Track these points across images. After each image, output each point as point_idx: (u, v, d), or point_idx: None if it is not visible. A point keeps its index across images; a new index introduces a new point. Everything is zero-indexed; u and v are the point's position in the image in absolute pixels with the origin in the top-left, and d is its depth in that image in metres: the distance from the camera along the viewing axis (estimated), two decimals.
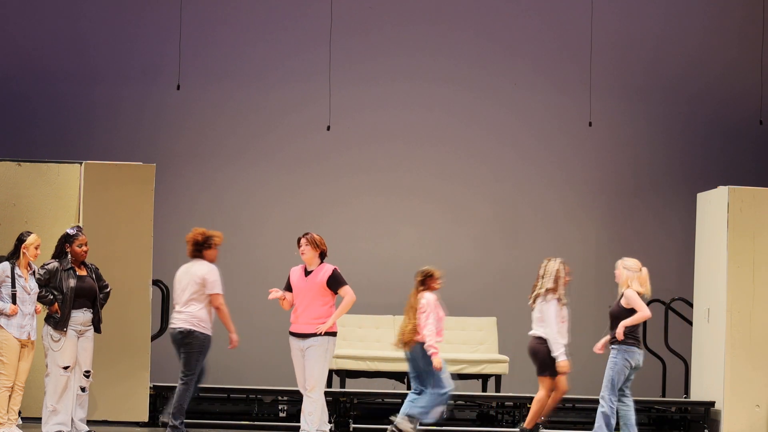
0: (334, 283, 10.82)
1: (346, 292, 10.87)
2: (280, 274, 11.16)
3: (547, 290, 11.58)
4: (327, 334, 10.77)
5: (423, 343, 11.48)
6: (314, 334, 10.72)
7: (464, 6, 15.83)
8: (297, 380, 10.95)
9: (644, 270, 11.39)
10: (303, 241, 10.92)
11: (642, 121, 15.93)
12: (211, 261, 11.13)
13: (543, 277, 11.66)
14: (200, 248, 11.11)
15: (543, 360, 11.60)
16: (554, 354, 11.50)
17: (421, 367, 11.54)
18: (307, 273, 10.88)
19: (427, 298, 11.64)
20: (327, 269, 10.86)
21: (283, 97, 15.61)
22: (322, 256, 10.92)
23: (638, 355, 11.33)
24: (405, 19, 15.74)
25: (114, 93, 15.40)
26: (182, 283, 11.14)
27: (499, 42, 15.80)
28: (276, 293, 10.88)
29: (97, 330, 11.42)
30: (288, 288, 10.95)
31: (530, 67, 15.83)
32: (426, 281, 11.72)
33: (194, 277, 11.05)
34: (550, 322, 11.51)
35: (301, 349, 10.79)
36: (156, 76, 15.32)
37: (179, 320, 11.09)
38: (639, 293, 11.31)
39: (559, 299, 11.58)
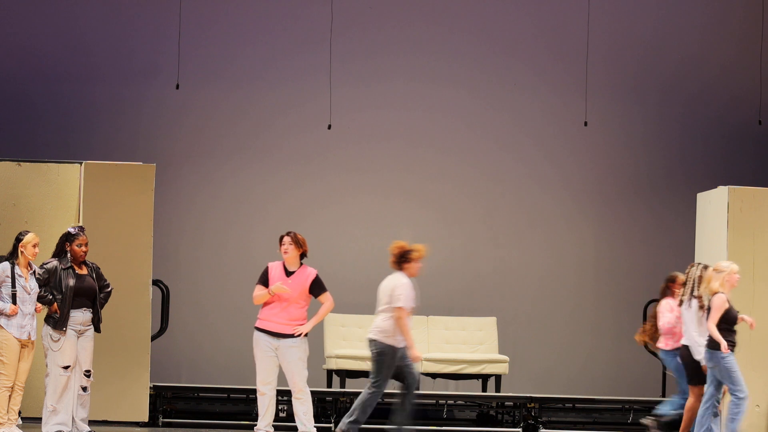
0: (317, 288, 10.93)
1: (327, 298, 10.98)
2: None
3: (690, 297, 11.60)
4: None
5: (664, 350, 11.97)
6: (291, 336, 10.80)
7: (462, 7, 15.82)
8: (258, 376, 10.92)
9: (708, 270, 11.55)
10: (287, 239, 10.91)
11: (641, 121, 15.91)
12: (411, 275, 11.01)
13: (685, 284, 11.71)
14: (399, 262, 10.99)
15: (688, 367, 11.61)
16: (697, 358, 11.50)
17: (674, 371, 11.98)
18: (288, 273, 10.88)
19: (666, 302, 12.09)
20: (310, 273, 10.92)
21: (282, 96, 15.61)
22: (303, 256, 10.94)
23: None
24: (403, 19, 15.73)
25: (113, 93, 15.39)
26: (380, 294, 11.10)
27: (495, 42, 15.79)
28: (282, 287, 10.84)
29: (97, 329, 11.40)
30: (264, 281, 10.93)
31: (527, 67, 15.82)
32: (669, 286, 12.12)
33: (387, 288, 11.01)
34: (689, 327, 11.55)
35: (275, 348, 10.85)
36: (155, 76, 15.32)
37: (371, 330, 11.08)
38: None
39: (701, 306, 11.53)
